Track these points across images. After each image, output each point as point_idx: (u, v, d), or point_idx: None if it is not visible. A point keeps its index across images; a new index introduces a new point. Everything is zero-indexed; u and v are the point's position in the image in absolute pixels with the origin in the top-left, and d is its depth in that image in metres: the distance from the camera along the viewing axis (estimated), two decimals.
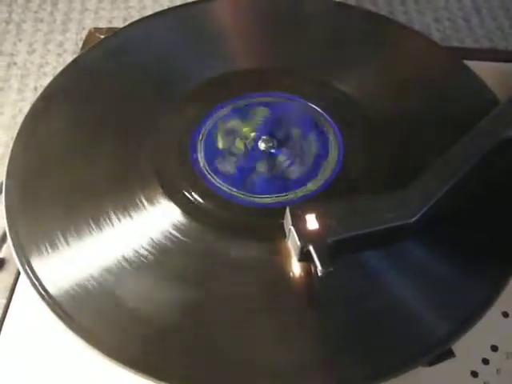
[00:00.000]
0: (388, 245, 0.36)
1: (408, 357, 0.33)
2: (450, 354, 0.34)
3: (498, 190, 0.39)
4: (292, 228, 0.34)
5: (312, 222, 0.33)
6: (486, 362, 0.36)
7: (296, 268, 0.35)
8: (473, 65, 0.46)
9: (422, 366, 0.34)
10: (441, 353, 0.34)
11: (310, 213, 0.34)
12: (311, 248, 0.33)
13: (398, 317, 0.35)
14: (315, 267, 0.32)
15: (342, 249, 0.34)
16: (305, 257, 0.34)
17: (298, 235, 0.33)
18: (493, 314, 0.35)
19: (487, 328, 0.36)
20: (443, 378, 0.35)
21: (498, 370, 0.36)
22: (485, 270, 0.36)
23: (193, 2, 0.55)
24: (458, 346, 0.34)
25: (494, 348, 0.36)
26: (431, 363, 0.34)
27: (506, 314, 0.38)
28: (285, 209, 0.35)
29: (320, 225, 0.33)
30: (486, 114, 0.39)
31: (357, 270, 0.36)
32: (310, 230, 0.33)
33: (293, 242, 0.34)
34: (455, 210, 0.37)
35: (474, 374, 0.36)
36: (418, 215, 0.34)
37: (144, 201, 0.38)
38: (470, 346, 0.36)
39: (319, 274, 0.32)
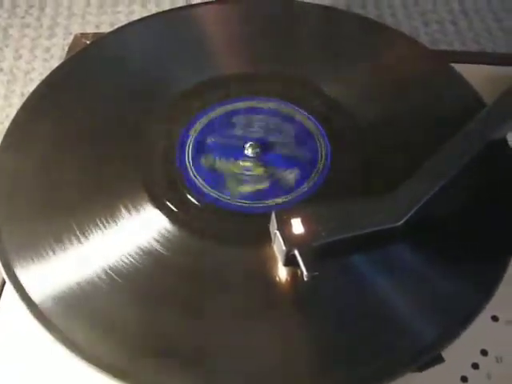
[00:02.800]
0: (375, 248, 0.36)
1: (397, 362, 0.33)
2: (439, 359, 0.34)
3: (486, 192, 0.39)
4: (277, 232, 0.33)
5: (297, 227, 0.33)
6: (475, 366, 0.36)
7: (283, 272, 0.35)
8: (461, 68, 0.46)
9: (411, 371, 0.33)
10: (430, 358, 0.33)
11: (296, 217, 0.33)
12: (296, 252, 0.32)
13: (387, 322, 0.34)
14: (301, 271, 0.32)
15: (328, 253, 0.34)
16: (290, 261, 0.33)
17: (283, 239, 0.33)
18: (482, 318, 0.35)
19: (477, 332, 0.35)
20: (433, 383, 0.35)
21: (488, 375, 0.35)
22: (474, 274, 0.36)
23: (180, 7, 0.55)
24: (447, 351, 0.34)
25: (484, 352, 0.36)
26: (420, 369, 0.34)
27: (495, 318, 0.37)
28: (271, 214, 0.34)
29: (305, 229, 0.33)
30: (473, 116, 0.39)
31: (344, 274, 0.35)
32: (296, 235, 0.33)
33: (278, 247, 0.34)
34: (443, 213, 0.37)
35: (464, 379, 0.35)
36: (405, 218, 0.34)
37: (130, 208, 0.38)
38: (459, 350, 0.35)
39: (305, 278, 0.32)
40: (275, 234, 0.34)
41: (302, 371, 0.33)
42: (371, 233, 0.34)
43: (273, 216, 0.34)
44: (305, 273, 0.32)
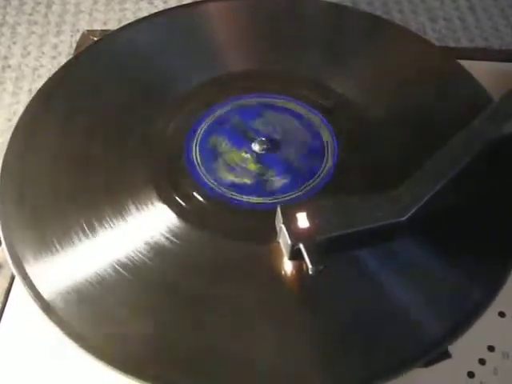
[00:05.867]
0: (380, 244, 0.36)
1: (404, 358, 0.33)
2: (445, 354, 0.34)
3: (492, 189, 0.39)
4: (283, 226, 0.33)
5: (303, 221, 0.33)
6: (482, 362, 0.36)
7: (290, 268, 0.35)
8: (468, 64, 0.46)
9: (418, 367, 0.33)
10: (437, 354, 0.33)
11: (301, 211, 0.33)
12: (301, 246, 0.33)
13: (393, 318, 0.34)
14: (306, 266, 0.32)
15: (332, 247, 0.34)
16: (295, 255, 0.33)
17: (288, 234, 0.33)
18: (489, 314, 0.35)
19: (484, 328, 0.35)
20: (440, 378, 0.35)
21: (494, 371, 0.35)
22: (481, 269, 0.36)
23: (188, 4, 0.55)
24: (454, 347, 0.34)
25: (491, 348, 0.36)
26: (427, 364, 0.34)
27: (502, 314, 0.37)
28: None
29: (311, 223, 0.33)
30: (479, 112, 0.39)
31: (351, 270, 0.35)
32: (301, 229, 0.33)
33: (283, 241, 0.34)
34: (450, 209, 0.37)
35: (471, 375, 0.35)
36: (409, 214, 0.34)
37: (138, 204, 0.38)
38: (466, 346, 0.35)
39: (310, 272, 0.32)
40: (281, 228, 0.34)
41: (305, 368, 0.33)
42: (376, 228, 0.34)
43: (278, 210, 0.34)
44: (310, 267, 0.32)
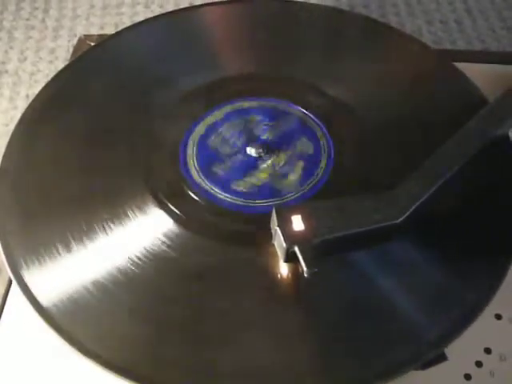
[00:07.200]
0: (376, 245, 0.36)
1: (400, 361, 0.33)
2: (442, 357, 0.34)
3: (490, 189, 0.39)
4: (278, 229, 0.33)
5: (298, 223, 0.33)
6: (479, 364, 0.36)
7: (285, 270, 0.35)
8: (465, 66, 0.46)
9: (415, 369, 0.33)
10: (433, 356, 0.33)
11: (296, 214, 0.33)
12: (296, 249, 0.33)
13: (390, 320, 0.34)
14: (301, 268, 0.32)
15: (328, 249, 0.34)
16: (291, 257, 0.33)
17: (283, 236, 0.33)
18: (486, 316, 0.34)
19: (480, 331, 0.35)
20: (436, 381, 0.35)
21: (491, 373, 0.35)
22: (477, 271, 0.36)
23: (184, 9, 0.55)
24: (451, 349, 0.33)
25: (488, 350, 0.36)
26: (424, 367, 0.33)
27: (498, 317, 0.37)
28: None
29: (306, 226, 0.33)
30: (474, 114, 0.39)
31: (345, 272, 0.35)
32: (296, 231, 0.33)
33: (279, 243, 0.34)
34: (446, 211, 0.37)
35: (468, 377, 0.35)
36: (405, 216, 0.34)
37: (135, 210, 0.38)
38: (463, 348, 0.35)
39: (305, 274, 0.32)
40: (276, 230, 0.34)
41: (302, 370, 0.33)
42: (371, 230, 0.34)
43: (273, 213, 0.34)
44: (305, 269, 0.32)
